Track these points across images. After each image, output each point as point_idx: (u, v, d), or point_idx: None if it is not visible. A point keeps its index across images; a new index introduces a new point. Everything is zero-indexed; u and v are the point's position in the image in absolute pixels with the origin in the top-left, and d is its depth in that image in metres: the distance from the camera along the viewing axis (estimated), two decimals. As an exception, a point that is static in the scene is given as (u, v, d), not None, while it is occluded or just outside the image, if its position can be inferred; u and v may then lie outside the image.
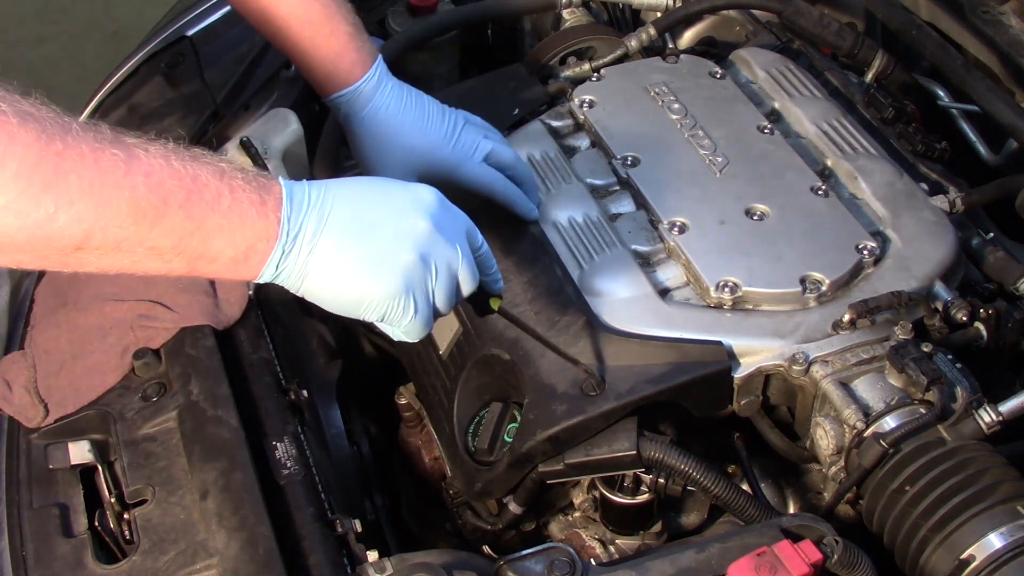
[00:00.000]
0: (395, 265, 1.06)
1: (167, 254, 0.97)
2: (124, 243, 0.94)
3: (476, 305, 1.20)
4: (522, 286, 1.40)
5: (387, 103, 1.47)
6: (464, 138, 1.47)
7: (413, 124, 1.47)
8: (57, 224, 0.90)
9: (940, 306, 1.33)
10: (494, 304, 1.20)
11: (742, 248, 1.39)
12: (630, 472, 1.30)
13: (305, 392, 1.38)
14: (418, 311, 1.09)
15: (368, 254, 1.05)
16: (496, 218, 1.47)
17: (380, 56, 1.49)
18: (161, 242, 0.96)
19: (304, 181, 1.06)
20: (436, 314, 1.12)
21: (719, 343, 1.29)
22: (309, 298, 1.07)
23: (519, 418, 1.30)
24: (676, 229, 1.42)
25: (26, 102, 0.90)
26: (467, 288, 1.13)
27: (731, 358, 1.29)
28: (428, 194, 1.10)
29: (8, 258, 0.94)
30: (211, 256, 0.99)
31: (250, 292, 1.44)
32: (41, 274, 1.54)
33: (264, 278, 1.03)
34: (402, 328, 1.11)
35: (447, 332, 1.43)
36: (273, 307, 1.53)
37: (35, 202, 0.89)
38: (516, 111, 1.64)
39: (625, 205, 1.49)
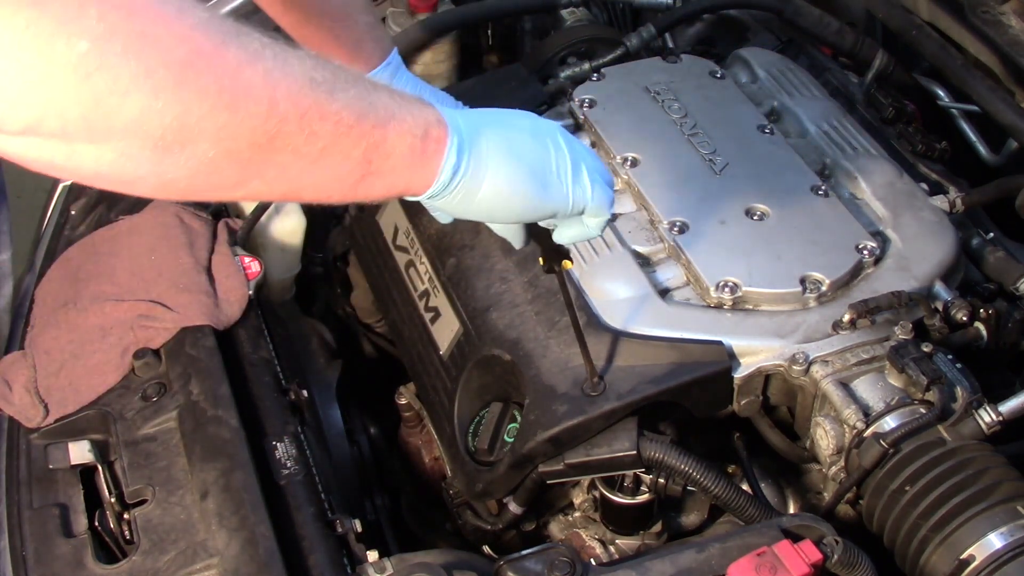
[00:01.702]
0: (557, 156, 1.06)
1: (349, 138, 0.90)
2: (309, 112, 0.86)
3: (548, 257, 1.18)
4: (522, 286, 1.40)
5: (406, 88, 1.46)
6: None
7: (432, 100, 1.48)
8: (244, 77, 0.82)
9: (940, 306, 1.33)
10: (566, 264, 1.19)
11: (742, 248, 1.39)
12: (630, 472, 1.30)
13: (305, 392, 1.38)
14: (595, 187, 1.08)
15: (533, 149, 1.04)
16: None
17: (395, 47, 1.49)
18: (343, 114, 0.89)
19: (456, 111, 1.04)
20: (612, 187, 1.12)
21: (720, 343, 1.29)
22: (486, 204, 1.03)
23: (519, 418, 1.30)
24: (676, 229, 1.42)
25: (201, 8, 0.82)
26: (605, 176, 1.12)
27: (731, 358, 1.29)
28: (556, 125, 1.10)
29: (198, 148, 0.83)
30: (389, 148, 0.93)
31: (250, 292, 1.44)
32: (41, 274, 1.54)
33: (442, 181, 0.99)
34: (588, 214, 1.09)
35: (447, 332, 1.43)
36: (273, 307, 1.54)
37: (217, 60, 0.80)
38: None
39: (625, 205, 1.49)
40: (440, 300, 1.46)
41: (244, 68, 0.83)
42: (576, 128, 1.63)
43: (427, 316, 1.48)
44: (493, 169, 1.02)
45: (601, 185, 1.09)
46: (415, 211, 1.55)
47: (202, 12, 0.82)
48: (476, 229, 1.48)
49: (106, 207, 1.58)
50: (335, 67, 0.91)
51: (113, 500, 1.24)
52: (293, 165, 0.89)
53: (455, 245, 1.48)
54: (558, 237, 1.13)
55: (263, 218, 1.58)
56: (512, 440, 1.30)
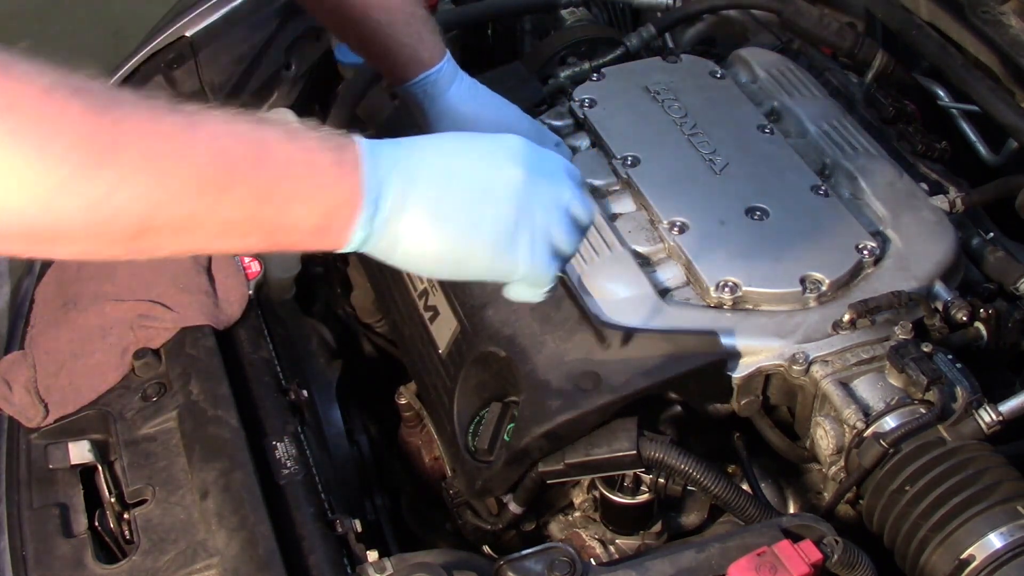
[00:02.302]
0: (494, 218, 0.98)
1: (242, 228, 0.88)
2: (192, 220, 0.85)
3: None
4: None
5: (468, 82, 1.48)
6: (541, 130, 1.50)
7: (494, 100, 1.48)
8: (116, 202, 0.81)
9: (940, 306, 1.33)
10: None
11: (742, 248, 1.39)
12: (630, 472, 1.30)
13: (305, 392, 1.38)
14: (533, 259, 1.00)
15: (464, 210, 0.96)
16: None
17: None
18: (232, 215, 0.87)
19: (386, 139, 0.96)
20: (564, 257, 1.04)
21: (713, 333, 1.29)
22: (404, 266, 0.98)
23: (519, 418, 1.30)
24: (676, 229, 1.42)
25: (75, 76, 0.81)
26: (585, 219, 1.05)
27: (731, 357, 1.29)
28: (517, 142, 1.01)
29: (68, 248, 0.86)
30: (290, 227, 0.90)
31: (250, 292, 1.44)
32: (41, 274, 1.54)
33: (352, 246, 0.94)
34: (523, 282, 1.03)
35: (446, 331, 1.43)
36: (273, 307, 1.54)
37: (90, 179, 0.80)
38: (515, 111, 1.64)
39: (625, 205, 1.49)
40: (439, 299, 1.46)
41: (116, 191, 0.82)
42: (576, 128, 1.63)
43: (426, 315, 1.48)
44: (408, 239, 0.95)
45: (542, 258, 1.01)
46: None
47: (89, 113, 0.80)
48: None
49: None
50: (242, 148, 0.87)
51: (113, 500, 1.24)
52: (183, 248, 0.89)
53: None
54: (505, 292, 1.07)
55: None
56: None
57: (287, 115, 1.74)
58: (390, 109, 1.76)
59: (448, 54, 1.48)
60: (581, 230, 1.06)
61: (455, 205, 0.96)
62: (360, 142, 0.93)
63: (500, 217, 0.98)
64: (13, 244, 0.85)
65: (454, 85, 1.47)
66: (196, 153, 0.85)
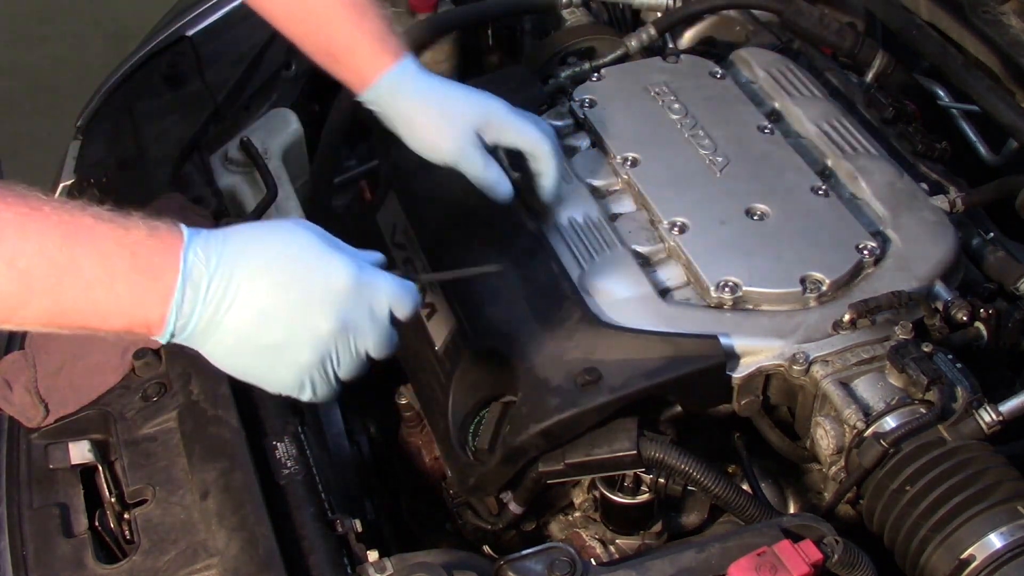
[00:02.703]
0: (293, 364, 1.02)
1: (48, 327, 0.95)
2: (14, 312, 0.92)
3: None
4: (518, 282, 1.40)
5: (430, 77, 1.41)
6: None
7: (459, 90, 1.41)
8: None
9: (940, 306, 1.33)
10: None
11: (742, 248, 1.39)
12: (630, 472, 1.30)
13: (305, 392, 1.38)
14: (316, 393, 1.06)
15: (263, 352, 1.01)
16: (495, 214, 1.47)
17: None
18: (32, 321, 0.93)
19: (213, 245, 0.98)
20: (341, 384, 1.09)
21: (714, 337, 1.29)
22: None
23: (519, 418, 1.30)
24: (676, 229, 1.42)
25: None
26: (378, 355, 1.08)
27: (730, 357, 1.29)
28: (342, 280, 1.02)
29: None
30: (101, 327, 0.96)
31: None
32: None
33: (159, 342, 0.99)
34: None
35: (443, 328, 1.44)
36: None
37: None
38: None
39: (625, 205, 1.49)
40: (436, 296, 1.46)
41: None
42: (576, 128, 1.63)
43: (423, 312, 1.48)
44: (218, 356, 1.01)
45: (323, 393, 1.06)
46: (414, 209, 1.55)
47: None
48: (473, 226, 1.48)
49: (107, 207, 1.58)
50: (42, 266, 0.90)
51: (113, 500, 1.24)
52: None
53: (452, 242, 1.48)
54: None
55: (263, 218, 1.58)
56: (511, 439, 1.30)
57: (287, 116, 1.74)
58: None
59: (407, 48, 1.41)
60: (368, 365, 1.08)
61: (256, 352, 1.01)
62: (180, 262, 0.95)
63: (297, 367, 1.02)
64: None
65: (419, 78, 1.39)
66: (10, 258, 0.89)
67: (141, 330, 0.97)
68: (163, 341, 0.98)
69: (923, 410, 1.22)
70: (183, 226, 0.97)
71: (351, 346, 1.05)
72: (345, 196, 1.88)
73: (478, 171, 1.38)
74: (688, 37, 1.96)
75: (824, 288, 1.34)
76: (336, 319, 1.01)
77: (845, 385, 1.27)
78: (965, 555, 1.13)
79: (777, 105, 1.64)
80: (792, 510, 1.42)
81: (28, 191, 0.92)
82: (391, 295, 1.06)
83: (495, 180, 1.39)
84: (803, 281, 1.34)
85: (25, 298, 0.91)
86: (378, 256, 1.10)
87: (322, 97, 1.95)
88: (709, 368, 1.28)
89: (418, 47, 1.86)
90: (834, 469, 1.29)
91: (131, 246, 0.94)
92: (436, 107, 1.38)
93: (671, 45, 1.90)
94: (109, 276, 0.93)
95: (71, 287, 0.92)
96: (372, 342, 1.06)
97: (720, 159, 1.51)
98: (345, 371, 1.06)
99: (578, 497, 1.40)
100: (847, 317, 1.29)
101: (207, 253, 0.97)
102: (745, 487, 1.31)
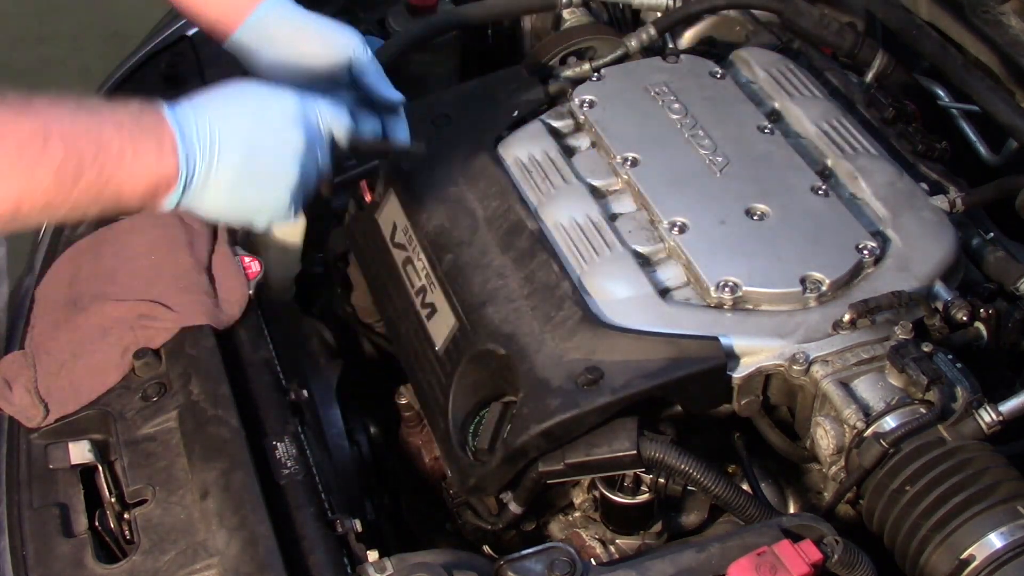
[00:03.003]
0: (281, 182, 1.19)
1: (87, 208, 1.09)
2: (50, 205, 1.06)
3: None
4: (519, 282, 1.40)
5: (296, 5, 1.46)
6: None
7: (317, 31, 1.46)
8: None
9: (940, 306, 1.33)
10: (324, 190, 1.32)
11: (742, 248, 1.39)
12: (630, 472, 1.30)
13: (305, 392, 1.38)
14: (297, 211, 1.24)
15: (256, 178, 1.18)
16: (496, 214, 1.47)
17: None
18: (82, 199, 1.07)
19: (187, 108, 1.15)
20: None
21: (716, 338, 1.29)
22: (207, 217, 1.22)
23: (519, 418, 1.30)
24: (676, 229, 1.42)
25: None
26: (326, 171, 1.26)
27: (730, 357, 1.29)
28: (293, 102, 1.20)
29: None
30: (123, 204, 1.12)
31: (250, 292, 1.44)
32: (41, 274, 1.54)
33: (166, 209, 1.15)
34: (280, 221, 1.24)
35: (443, 328, 1.44)
36: (273, 307, 1.53)
37: None
38: (516, 112, 1.64)
39: (625, 205, 1.49)
40: (436, 296, 1.46)
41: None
42: (576, 128, 1.63)
43: (423, 312, 1.48)
44: (208, 204, 1.17)
45: (298, 203, 1.23)
46: (414, 209, 1.55)
47: None
48: (474, 226, 1.48)
49: (106, 207, 1.58)
50: (87, 146, 1.06)
51: (113, 500, 1.24)
52: (38, 223, 1.17)
53: (452, 241, 1.48)
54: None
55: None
56: (511, 439, 1.30)
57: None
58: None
59: None
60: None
61: (249, 177, 1.18)
62: (171, 122, 1.12)
63: (285, 182, 1.20)
64: None
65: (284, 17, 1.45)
66: (54, 154, 1.04)
67: (161, 189, 1.12)
68: (174, 202, 1.14)
69: (923, 410, 1.22)
70: (155, 99, 1.14)
71: (317, 160, 1.23)
72: (345, 196, 1.88)
73: (374, 77, 1.46)
74: (688, 37, 1.96)
75: (824, 288, 1.34)
76: (303, 132, 1.19)
77: (845, 385, 1.27)
78: (965, 555, 1.13)
79: (777, 105, 1.64)
80: (792, 510, 1.42)
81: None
82: (329, 113, 1.25)
83: (389, 90, 1.47)
84: (803, 281, 1.34)
85: (79, 173, 1.05)
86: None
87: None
88: (710, 370, 1.28)
89: (417, 47, 1.86)
90: (834, 469, 1.29)
91: (133, 117, 1.11)
92: (317, 24, 1.45)
93: (671, 45, 1.90)
94: (131, 143, 1.09)
95: (107, 158, 1.07)
96: (327, 157, 1.25)
97: (720, 159, 1.51)
98: (313, 187, 1.25)
99: (578, 497, 1.40)
100: (847, 317, 1.29)
101: (185, 112, 1.14)
102: (745, 487, 1.31)
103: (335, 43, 1.43)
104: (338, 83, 1.43)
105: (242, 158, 1.16)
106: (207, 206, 1.17)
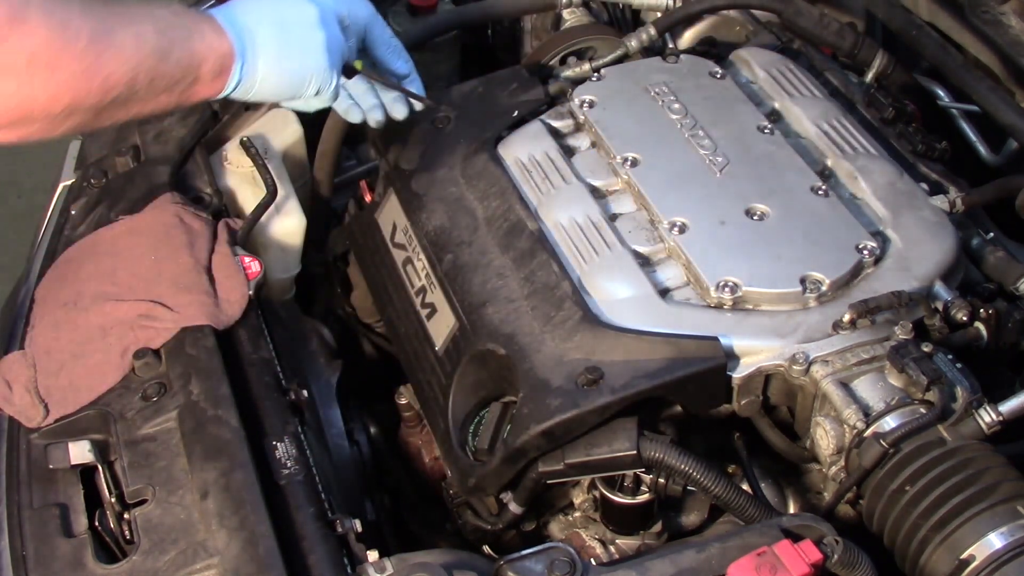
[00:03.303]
0: (313, 43, 1.32)
1: (177, 86, 1.20)
2: (155, 82, 1.17)
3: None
4: (519, 282, 1.40)
5: None
6: None
7: None
8: (114, 77, 1.12)
9: (940, 306, 1.33)
10: (357, 65, 1.44)
11: (742, 248, 1.39)
12: (630, 472, 1.30)
13: (305, 392, 1.38)
14: (338, 75, 1.37)
15: (292, 44, 1.31)
16: (496, 214, 1.47)
17: None
18: (175, 73, 1.19)
19: (226, 8, 1.28)
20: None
21: (715, 339, 1.29)
22: (260, 98, 1.33)
23: (519, 418, 1.30)
24: (676, 229, 1.42)
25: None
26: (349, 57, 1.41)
27: (730, 357, 1.29)
28: (312, 8, 1.33)
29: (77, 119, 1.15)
30: (200, 85, 1.23)
31: (250, 292, 1.44)
32: (41, 274, 1.54)
33: (229, 90, 1.27)
34: (328, 94, 1.37)
35: (443, 328, 1.44)
36: (273, 307, 1.54)
37: (97, 67, 1.10)
38: (516, 112, 1.64)
39: (625, 205, 1.49)
40: (436, 296, 1.46)
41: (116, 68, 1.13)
42: (576, 128, 1.63)
43: (423, 312, 1.48)
44: (260, 81, 1.30)
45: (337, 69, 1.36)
46: (414, 209, 1.55)
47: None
48: (474, 226, 1.48)
49: (106, 207, 1.58)
50: (173, 36, 1.19)
51: (113, 500, 1.24)
52: (140, 112, 1.22)
53: (452, 241, 1.48)
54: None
55: (263, 218, 1.58)
56: (511, 439, 1.30)
57: (287, 116, 1.74)
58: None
59: None
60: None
61: (289, 46, 1.31)
62: (221, 21, 1.25)
63: (318, 44, 1.32)
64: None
65: None
66: (147, 42, 1.15)
67: (224, 67, 1.25)
68: (235, 80, 1.27)
69: (923, 410, 1.22)
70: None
71: (337, 31, 1.36)
72: (345, 196, 1.88)
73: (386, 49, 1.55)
74: (688, 37, 1.96)
75: (824, 288, 1.34)
76: (323, 30, 1.33)
77: (845, 385, 1.27)
78: (965, 555, 1.13)
79: (777, 105, 1.64)
80: (792, 510, 1.42)
81: None
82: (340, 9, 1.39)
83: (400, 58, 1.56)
84: (803, 281, 1.34)
85: (170, 50, 1.18)
86: None
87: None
88: (709, 370, 1.28)
89: (417, 47, 1.86)
90: (834, 469, 1.29)
91: (183, 11, 1.25)
92: None
93: (671, 45, 1.90)
94: (193, 25, 1.22)
95: (180, 42, 1.19)
96: (345, 46, 1.39)
97: (720, 159, 1.51)
98: (343, 55, 1.38)
99: (578, 497, 1.40)
100: (847, 317, 1.29)
101: (218, 8, 1.28)
102: (745, 487, 1.31)
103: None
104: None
105: (276, 29, 1.29)
106: (260, 83, 1.29)
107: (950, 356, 1.26)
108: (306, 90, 1.34)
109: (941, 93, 1.74)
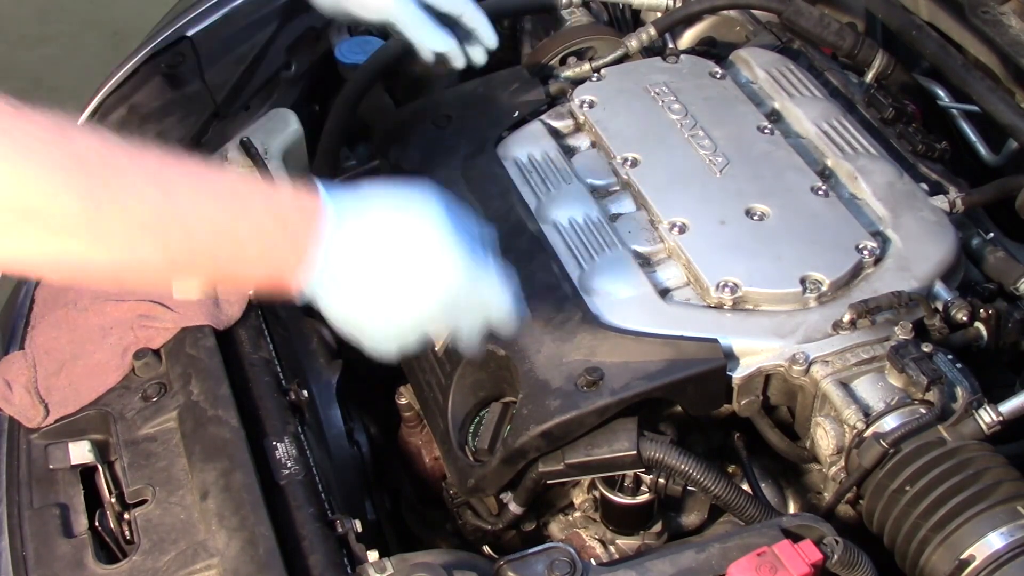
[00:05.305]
0: (392, 335, 1.13)
1: (208, 282, 1.06)
2: (155, 281, 1.06)
3: None
4: (518, 282, 1.40)
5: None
6: None
7: None
8: (95, 262, 0.94)
9: (940, 306, 1.33)
10: None
11: (742, 248, 1.39)
12: (630, 472, 1.30)
13: (305, 392, 1.38)
14: (402, 351, 1.14)
15: (371, 319, 1.10)
16: (496, 215, 1.47)
17: None
18: (198, 276, 1.05)
19: (347, 224, 1.04)
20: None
21: (715, 340, 1.29)
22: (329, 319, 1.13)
23: (519, 418, 1.30)
24: (676, 229, 1.42)
25: (86, 136, 0.93)
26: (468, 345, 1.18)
27: (730, 358, 1.29)
28: (453, 280, 1.09)
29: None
30: (243, 284, 1.11)
31: (250, 292, 1.44)
32: (41, 274, 1.54)
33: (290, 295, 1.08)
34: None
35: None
36: (273, 307, 1.53)
37: (73, 243, 0.92)
38: (516, 112, 1.64)
39: (625, 205, 1.49)
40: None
41: (94, 250, 0.93)
42: (576, 128, 1.63)
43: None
44: (331, 312, 1.11)
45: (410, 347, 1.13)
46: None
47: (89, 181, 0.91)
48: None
49: (106, 207, 1.58)
50: (208, 230, 0.97)
51: (113, 500, 1.24)
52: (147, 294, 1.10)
53: (455, 245, 1.48)
54: None
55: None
56: (511, 440, 1.30)
57: (287, 116, 1.74)
58: (393, 113, 1.77)
59: None
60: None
61: (360, 315, 1.11)
62: (318, 233, 1.02)
63: (391, 336, 1.13)
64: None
65: None
66: (168, 233, 0.95)
67: (276, 283, 1.05)
68: (293, 295, 1.07)
69: (923, 410, 1.22)
70: (321, 188, 1.03)
71: (448, 327, 1.14)
72: (345, 196, 1.88)
73: (417, 25, 1.46)
74: (688, 37, 1.96)
75: (824, 288, 1.34)
76: (439, 310, 1.09)
77: (845, 385, 1.27)
78: (965, 555, 1.13)
79: (777, 105, 1.64)
80: (792, 510, 1.42)
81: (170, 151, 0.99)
82: (493, 304, 1.13)
83: (433, 33, 1.48)
84: (803, 281, 1.34)
85: (191, 260, 0.99)
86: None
87: (322, 97, 1.95)
88: (709, 371, 1.28)
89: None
90: (834, 469, 1.29)
91: (277, 209, 1.01)
92: None
93: (671, 45, 1.90)
94: (258, 236, 1.00)
95: (228, 244, 0.99)
96: (463, 331, 1.15)
97: (720, 159, 1.51)
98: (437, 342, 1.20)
99: (578, 497, 1.40)
100: (847, 317, 1.29)
101: (342, 221, 1.03)
102: (745, 487, 1.31)
103: (374, 8, 1.47)
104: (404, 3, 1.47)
105: (366, 297, 1.08)
106: (322, 308, 1.11)
107: (950, 356, 1.26)
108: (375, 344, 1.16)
109: (941, 93, 1.74)
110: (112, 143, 0.94)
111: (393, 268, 1.06)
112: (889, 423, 1.23)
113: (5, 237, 0.90)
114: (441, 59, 1.52)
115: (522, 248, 1.43)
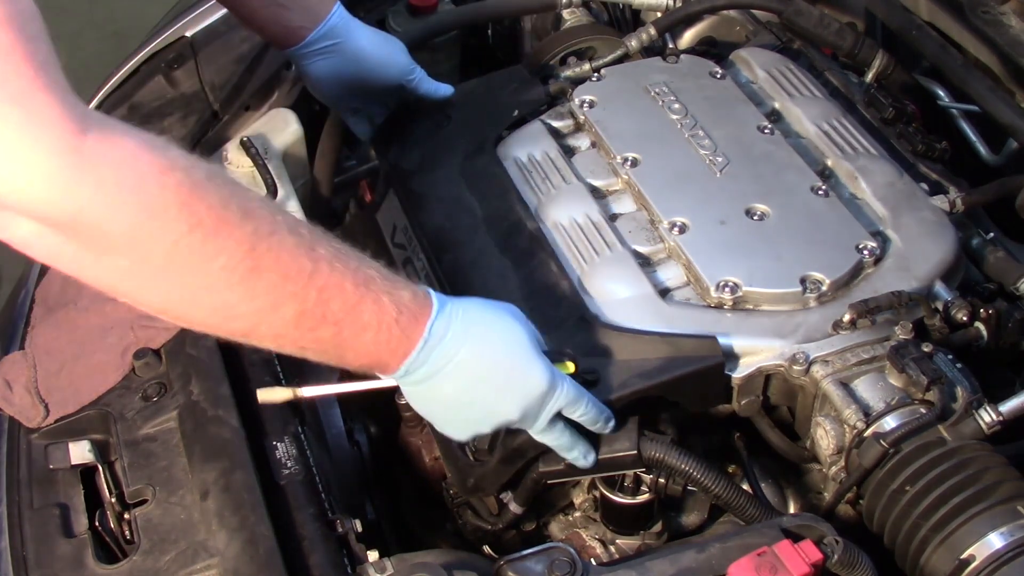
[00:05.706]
0: (472, 427, 1.19)
1: (310, 353, 1.06)
2: (280, 339, 1.03)
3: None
4: (519, 282, 1.40)
5: (362, 29, 1.57)
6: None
7: (383, 48, 1.60)
8: (236, 313, 0.98)
9: (940, 306, 1.33)
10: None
11: (742, 248, 1.39)
12: (630, 472, 1.30)
13: (305, 392, 1.38)
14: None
15: (454, 413, 1.18)
16: (496, 214, 1.47)
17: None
18: (309, 345, 1.04)
19: (450, 328, 1.11)
20: None
21: (713, 337, 1.29)
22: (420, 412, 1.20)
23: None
24: (676, 229, 1.42)
25: (249, 196, 0.98)
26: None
27: (731, 357, 1.29)
28: (537, 385, 1.16)
29: (182, 324, 1.11)
30: (344, 361, 1.09)
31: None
32: (41, 274, 1.54)
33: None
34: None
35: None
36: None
37: (225, 292, 0.96)
38: (516, 112, 1.64)
39: (625, 205, 1.49)
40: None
41: (240, 307, 0.98)
42: (576, 128, 1.63)
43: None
44: (417, 402, 1.17)
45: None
46: (414, 208, 1.55)
47: (247, 249, 0.96)
48: (474, 226, 1.48)
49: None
50: (339, 299, 1.02)
51: (113, 500, 1.25)
52: (262, 347, 1.09)
53: (452, 241, 1.48)
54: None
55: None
56: (512, 440, 1.30)
57: (287, 116, 1.74)
58: (393, 113, 1.76)
59: (336, 7, 1.54)
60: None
61: (446, 409, 1.18)
62: (423, 334, 1.10)
63: (470, 428, 1.19)
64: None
65: (352, 30, 1.56)
66: (306, 296, 1.00)
67: (376, 368, 1.12)
68: (390, 380, 1.14)
69: (923, 410, 1.22)
70: (434, 297, 1.12)
71: (523, 424, 1.20)
72: (345, 196, 1.88)
73: (427, 82, 1.63)
74: (688, 37, 1.96)
75: (824, 288, 1.34)
76: (520, 412, 1.16)
77: (845, 385, 1.27)
78: (965, 555, 1.13)
79: (777, 105, 1.64)
80: (792, 510, 1.42)
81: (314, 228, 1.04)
82: (563, 404, 1.19)
83: (441, 87, 1.64)
84: (803, 281, 1.34)
85: (320, 324, 1.02)
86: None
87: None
88: (708, 368, 1.28)
89: (417, 47, 1.86)
90: (834, 469, 1.29)
91: (397, 304, 1.07)
92: (380, 33, 1.60)
93: (671, 45, 1.90)
94: (377, 324, 1.06)
95: (350, 325, 1.04)
96: (535, 430, 1.21)
97: (720, 159, 1.51)
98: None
99: (578, 497, 1.40)
100: (847, 317, 1.29)
101: (446, 326, 1.11)
102: (745, 487, 1.31)
103: (392, 67, 1.59)
104: (388, 92, 1.60)
105: (454, 394, 1.15)
106: (407, 395, 1.17)
107: (950, 356, 1.26)
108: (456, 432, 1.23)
109: (941, 93, 1.74)
110: (265, 202, 1.01)
111: (485, 379, 1.14)
112: (889, 423, 1.23)
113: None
114: None
115: (522, 248, 1.43)
